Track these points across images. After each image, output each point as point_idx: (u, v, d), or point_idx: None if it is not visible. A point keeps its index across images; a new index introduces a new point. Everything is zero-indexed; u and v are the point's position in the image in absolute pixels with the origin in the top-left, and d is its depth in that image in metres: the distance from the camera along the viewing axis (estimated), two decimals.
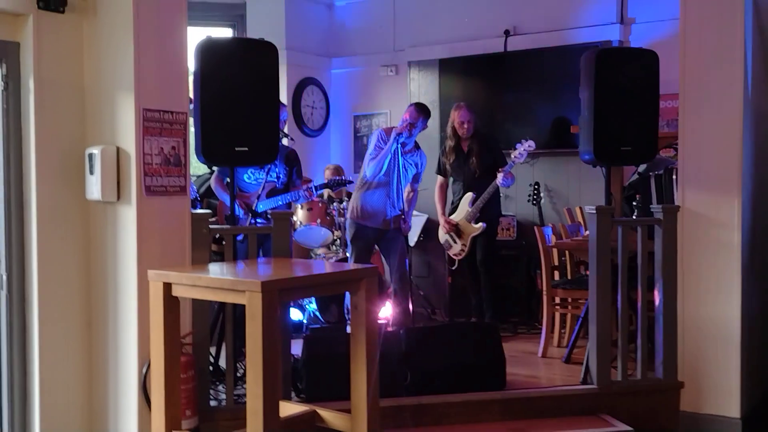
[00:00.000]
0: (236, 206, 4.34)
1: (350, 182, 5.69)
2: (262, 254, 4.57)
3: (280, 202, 4.91)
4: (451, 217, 5.66)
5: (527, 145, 5.39)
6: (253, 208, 4.76)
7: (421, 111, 5.27)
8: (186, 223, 3.64)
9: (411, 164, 5.29)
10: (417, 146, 5.36)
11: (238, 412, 3.36)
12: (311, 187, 5.03)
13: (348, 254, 5.53)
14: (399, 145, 5.11)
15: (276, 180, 4.96)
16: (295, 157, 5.12)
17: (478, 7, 6.69)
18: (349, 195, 6.18)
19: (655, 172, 4.88)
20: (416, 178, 5.41)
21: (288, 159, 5.05)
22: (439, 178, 5.83)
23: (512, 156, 5.42)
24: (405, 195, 5.32)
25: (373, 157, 5.19)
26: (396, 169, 5.14)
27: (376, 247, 5.46)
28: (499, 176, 5.39)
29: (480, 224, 5.48)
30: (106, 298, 3.56)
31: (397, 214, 5.19)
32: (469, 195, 5.54)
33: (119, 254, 3.50)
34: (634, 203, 4.34)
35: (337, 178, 5.77)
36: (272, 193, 4.93)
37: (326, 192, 6.37)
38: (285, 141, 5.09)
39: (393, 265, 5.27)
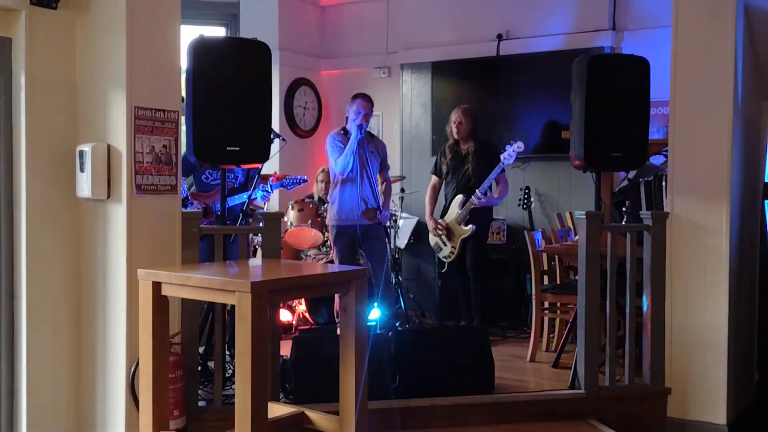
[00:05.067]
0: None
1: (305, 180, 5.66)
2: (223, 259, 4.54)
3: (237, 201, 4.88)
4: (443, 218, 5.66)
5: (516, 147, 5.40)
6: (212, 209, 4.75)
7: (369, 100, 5.20)
8: (176, 222, 3.63)
9: (372, 152, 5.21)
10: (370, 135, 5.32)
11: (226, 412, 3.35)
12: (265, 188, 5.04)
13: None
14: (362, 136, 5.05)
15: (234, 180, 4.95)
16: None
17: (471, 11, 6.70)
18: None
19: (645, 179, 4.91)
20: (383, 165, 5.35)
21: None
22: (433, 178, 5.80)
23: (501, 158, 5.42)
24: (381, 189, 5.27)
25: (337, 156, 5.13)
26: (360, 163, 5.08)
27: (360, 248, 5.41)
28: (474, 198, 5.41)
29: (470, 227, 5.47)
30: (95, 296, 3.55)
31: (372, 207, 5.13)
32: (460, 197, 5.54)
33: (109, 252, 3.49)
34: (624, 209, 4.36)
35: (292, 177, 5.71)
36: (230, 193, 4.91)
37: (317, 193, 6.37)
38: (277, 141, 5.09)
39: (374, 269, 5.20)
